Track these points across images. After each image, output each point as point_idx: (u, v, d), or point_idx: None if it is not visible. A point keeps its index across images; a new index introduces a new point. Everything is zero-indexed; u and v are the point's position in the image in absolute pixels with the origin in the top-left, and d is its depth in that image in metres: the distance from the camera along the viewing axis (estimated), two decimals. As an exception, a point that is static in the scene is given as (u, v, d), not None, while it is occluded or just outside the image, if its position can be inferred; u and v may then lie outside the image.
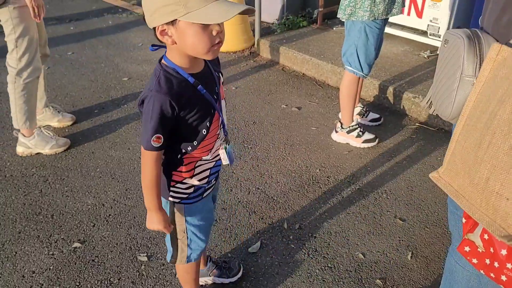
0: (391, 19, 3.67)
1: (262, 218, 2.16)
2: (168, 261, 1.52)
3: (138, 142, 2.74)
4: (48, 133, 2.65)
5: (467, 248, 0.99)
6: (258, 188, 2.37)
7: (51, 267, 1.88)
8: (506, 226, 0.80)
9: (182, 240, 1.44)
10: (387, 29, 3.78)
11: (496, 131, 0.80)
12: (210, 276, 1.79)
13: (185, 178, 1.33)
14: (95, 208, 2.22)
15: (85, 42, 4.39)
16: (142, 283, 1.81)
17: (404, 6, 2.52)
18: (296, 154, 2.66)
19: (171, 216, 1.40)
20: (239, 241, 2.02)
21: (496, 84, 0.82)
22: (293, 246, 2.00)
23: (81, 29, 4.77)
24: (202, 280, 1.80)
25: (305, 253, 1.96)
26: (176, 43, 1.12)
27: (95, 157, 2.62)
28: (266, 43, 4.08)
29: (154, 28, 1.11)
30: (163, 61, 1.19)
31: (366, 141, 2.72)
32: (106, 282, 1.81)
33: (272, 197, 2.30)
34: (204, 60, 1.26)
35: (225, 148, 1.36)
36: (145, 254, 1.94)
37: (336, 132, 2.78)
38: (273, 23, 4.52)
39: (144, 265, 1.89)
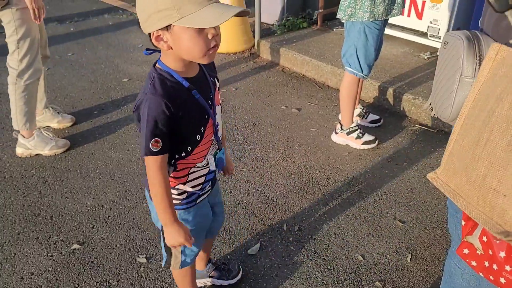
0: (391, 20, 3.67)
1: (261, 220, 2.15)
2: (163, 266, 1.51)
3: (137, 144, 2.74)
4: (48, 134, 2.65)
5: (466, 251, 0.98)
6: (258, 190, 2.36)
7: (50, 269, 1.87)
8: (503, 222, 0.79)
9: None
10: (387, 30, 3.78)
11: (494, 128, 0.80)
12: (209, 277, 1.79)
13: (178, 184, 1.31)
14: (94, 209, 2.21)
15: (85, 43, 4.39)
16: (141, 284, 1.80)
17: (404, 7, 2.52)
18: (296, 156, 2.66)
19: None
20: (238, 243, 2.02)
21: (495, 83, 0.82)
22: (292, 248, 1.99)
23: (81, 30, 4.78)
24: (201, 282, 1.80)
25: (304, 255, 1.96)
26: (172, 49, 1.11)
27: (95, 158, 2.61)
28: (266, 44, 4.08)
29: (150, 34, 1.10)
30: (157, 65, 1.18)
31: (365, 142, 2.71)
32: (105, 284, 1.81)
33: (271, 199, 2.30)
34: (199, 65, 1.24)
35: (215, 154, 1.34)
36: (144, 255, 1.94)
37: (336, 133, 2.78)
38: (273, 24, 4.52)
39: (143, 267, 1.88)
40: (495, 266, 0.91)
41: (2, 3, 2.26)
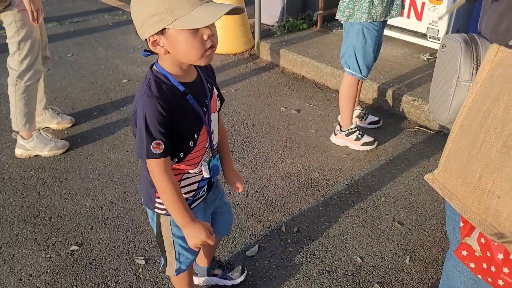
0: (391, 22, 3.68)
1: (260, 221, 2.15)
2: (160, 270, 1.50)
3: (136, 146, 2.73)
4: (47, 135, 2.65)
5: (464, 252, 0.98)
6: (257, 191, 2.36)
7: (48, 270, 1.87)
8: (497, 224, 0.79)
9: (170, 253, 1.41)
10: (387, 32, 3.79)
11: (489, 129, 0.80)
12: (212, 276, 1.78)
13: None
14: (93, 210, 2.21)
15: (85, 44, 4.39)
16: (139, 286, 1.80)
17: (403, 8, 2.52)
18: (295, 157, 2.66)
19: (157, 228, 1.38)
20: (237, 244, 2.01)
21: (492, 84, 0.82)
22: (291, 249, 1.99)
23: (81, 31, 4.78)
24: (203, 280, 1.79)
25: (303, 256, 1.95)
26: (169, 53, 1.11)
27: (94, 160, 2.61)
28: (266, 45, 4.08)
29: (147, 40, 1.10)
30: (154, 67, 1.18)
31: (365, 144, 2.71)
32: (103, 286, 1.80)
33: (270, 200, 2.30)
34: (198, 71, 1.24)
35: (209, 161, 1.32)
36: (143, 257, 1.93)
37: (335, 134, 2.78)
38: (273, 26, 4.52)
39: (142, 269, 1.88)
40: (493, 268, 0.91)
41: (3, 5, 2.26)
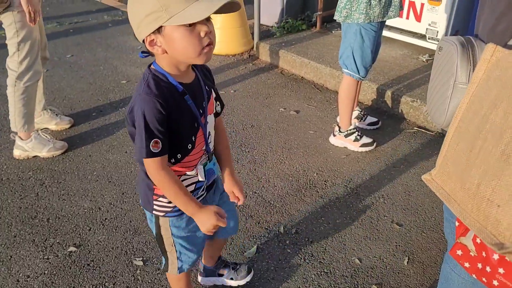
0: (390, 22, 3.68)
1: (258, 223, 2.15)
2: (161, 269, 1.50)
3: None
4: (46, 136, 2.65)
5: (459, 252, 0.98)
6: (255, 192, 2.36)
7: (45, 272, 1.87)
8: (497, 233, 0.78)
9: (171, 253, 1.41)
10: (386, 33, 3.79)
11: (488, 136, 0.79)
12: (218, 276, 1.78)
13: None
14: (91, 211, 2.21)
15: (84, 45, 4.39)
16: (137, 287, 1.80)
17: (402, 9, 2.52)
18: (294, 158, 2.66)
19: (157, 229, 1.38)
20: (235, 246, 2.01)
21: (489, 86, 0.81)
22: (289, 250, 1.99)
23: (80, 31, 4.78)
24: (208, 280, 1.78)
25: (301, 258, 1.95)
26: (167, 52, 1.10)
27: (92, 160, 2.61)
28: (265, 46, 4.08)
29: (144, 41, 1.10)
30: (152, 66, 1.18)
31: (363, 145, 2.71)
32: (101, 287, 1.80)
33: (269, 201, 2.29)
34: (195, 73, 1.24)
35: (205, 165, 1.32)
36: (141, 258, 1.93)
37: (334, 135, 2.78)
38: (272, 27, 4.52)
39: (140, 270, 1.88)
40: (488, 268, 0.91)
41: (3, 6, 2.26)
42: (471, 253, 0.94)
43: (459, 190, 0.86)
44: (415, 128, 3.00)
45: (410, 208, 2.26)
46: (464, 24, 3.57)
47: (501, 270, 0.88)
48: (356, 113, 2.94)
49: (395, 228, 2.13)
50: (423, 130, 2.96)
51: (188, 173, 1.29)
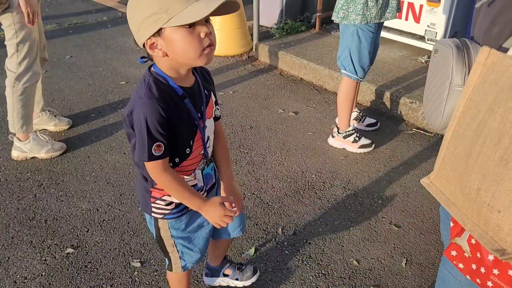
0: (389, 24, 3.68)
1: (256, 224, 2.15)
2: (166, 269, 1.50)
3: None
4: (44, 137, 2.65)
5: (453, 253, 0.98)
6: (254, 194, 2.36)
7: (43, 273, 1.87)
8: (498, 239, 0.78)
9: (173, 253, 1.41)
10: (385, 34, 3.79)
11: (486, 141, 0.79)
12: (223, 276, 1.77)
13: (164, 195, 1.29)
14: (89, 213, 2.21)
15: (84, 46, 4.39)
16: (134, 289, 1.80)
17: (400, 11, 2.52)
18: (292, 159, 2.66)
19: (156, 231, 1.38)
20: (233, 247, 2.01)
21: (485, 90, 0.81)
22: (287, 252, 1.99)
23: (79, 32, 4.78)
24: (213, 280, 1.78)
25: (299, 259, 1.95)
26: (167, 55, 1.10)
27: (91, 162, 2.61)
28: (264, 47, 4.08)
29: (144, 46, 1.10)
30: (152, 69, 1.17)
31: (362, 146, 2.71)
32: (98, 288, 1.80)
33: (267, 203, 2.29)
34: (195, 77, 1.23)
35: (203, 169, 1.31)
36: (139, 260, 1.93)
37: (333, 137, 2.78)
38: (271, 28, 4.52)
39: (137, 271, 1.88)
40: (482, 269, 0.91)
41: (2, 7, 2.27)
42: (465, 254, 0.94)
43: (458, 195, 0.86)
44: (413, 129, 3.00)
45: (408, 209, 2.26)
46: (463, 26, 3.57)
47: (495, 271, 0.88)
48: (355, 114, 2.94)
49: (393, 230, 2.13)
50: (422, 132, 2.96)
51: (185, 176, 1.29)
